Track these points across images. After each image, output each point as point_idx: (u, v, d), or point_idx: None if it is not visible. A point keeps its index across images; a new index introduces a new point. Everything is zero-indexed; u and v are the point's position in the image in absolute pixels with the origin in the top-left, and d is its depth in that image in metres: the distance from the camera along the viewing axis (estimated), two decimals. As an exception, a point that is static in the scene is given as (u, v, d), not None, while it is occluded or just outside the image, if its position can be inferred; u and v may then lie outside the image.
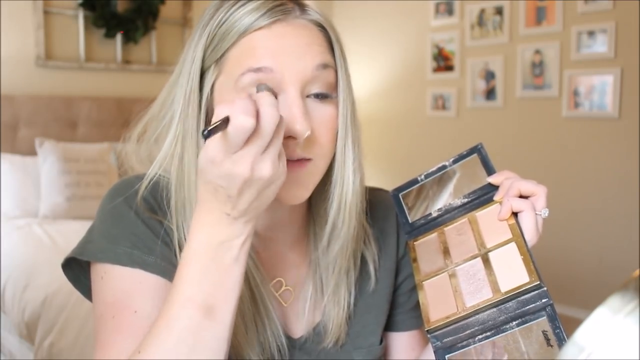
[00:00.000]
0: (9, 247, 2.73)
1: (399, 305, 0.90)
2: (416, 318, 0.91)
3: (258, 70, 0.66)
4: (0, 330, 2.59)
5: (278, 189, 0.61)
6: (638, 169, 3.06)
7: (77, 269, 0.78)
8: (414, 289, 0.85)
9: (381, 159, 4.10)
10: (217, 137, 0.56)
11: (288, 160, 0.67)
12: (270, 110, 0.56)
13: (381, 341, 0.87)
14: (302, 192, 0.71)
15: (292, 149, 0.67)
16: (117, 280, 0.70)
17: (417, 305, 0.89)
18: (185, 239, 0.71)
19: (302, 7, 0.70)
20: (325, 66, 0.69)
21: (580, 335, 0.35)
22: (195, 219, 0.62)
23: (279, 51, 0.67)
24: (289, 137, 0.66)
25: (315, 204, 0.81)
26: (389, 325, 0.90)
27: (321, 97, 0.70)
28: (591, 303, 3.07)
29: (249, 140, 0.56)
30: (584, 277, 3.31)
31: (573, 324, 0.43)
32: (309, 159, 0.69)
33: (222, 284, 0.61)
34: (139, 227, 0.72)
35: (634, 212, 3.09)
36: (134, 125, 0.78)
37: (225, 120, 0.55)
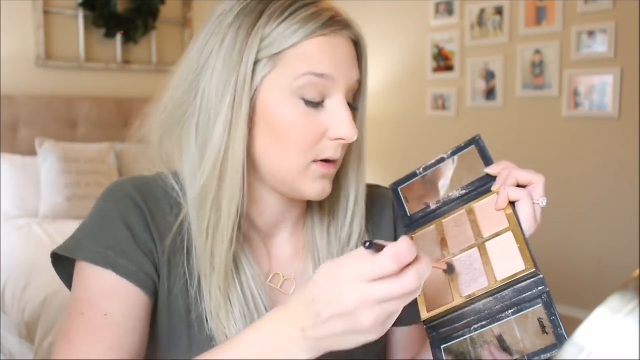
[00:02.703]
0: (9, 247, 2.73)
1: None
2: (415, 313, 0.91)
3: (320, 75, 0.70)
4: (0, 330, 2.59)
5: (358, 343, 0.56)
6: (638, 169, 3.06)
7: (68, 267, 0.78)
8: None
9: (381, 158, 4.10)
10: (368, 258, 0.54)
11: (330, 162, 0.74)
12: (419, 282, 0.54)
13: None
14: (328, 191, 0.76)
15: (336, 151, 0.73)
16: (90, 278, 0.72)
17: (416, 300, 0.90)
18: (208, 232, 0.72)
19: (349, 22, 0.75)
20: (358, 80, 0.76)
21: (580, 335, 0.35)
22: (267, 316, 0.59)
23: (337, 60, 0.72)
24: (338, 139, 0.72)
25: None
26: None
27: (352, 107, 0.75)
28: (591, 303, 3.07)
29: (383, 282, 0.53)
30: (583, 277, 3.31)
31: (573, 324, 0.43)
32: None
33: None
34: (120, 230, 0.73)
35: (634, 212, 3.09)
36: (150, 114, 0.79)
37: (379, 249, 0.53)
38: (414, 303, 0.90)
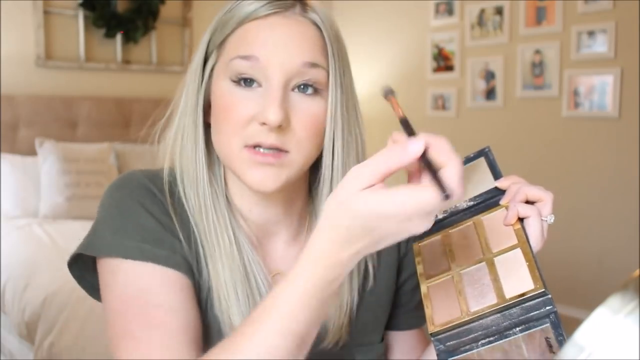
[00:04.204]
0: (9, 247, 2.73)
1: (401, 305, 0.90)
2: (418, 318, 0.91)
3: (246, 58, 0.71)
4: (0, 330, 2.59)
5: (387, 243, 0.58)
6: (638, 169, 3.06)
7: (82, 267, 0.77)
8: (417, 288, 0.86)
9: (381, 159, 4.09)
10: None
11: (261, 147, 0.70)
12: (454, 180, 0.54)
13: (382, 339, 0.87)
14: (271, 183, 0.71)
15: (266, 136, 0.70)
16: (130, 275, 0.70)
17: (420, 304, 0.90)
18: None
19: (304, 6, 0.73)
20: (313, 65, 0.71)
21: (580, 335, 0.35)
22: (309, 251, 0.59)
23: (268, 42, 0.70)
24: (263, 124, 0.69)
25: (314, 200, 0.83)
26: (391, 324, 0.90)
27: (306, 92, 0.72)
28: (591, 303, 3.07)
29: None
30: (584, 277, 3.31)
31: (573, 324, 0.43)
32: (285, 151, 0.71)
33: (318, 319, 0.60)
34: (146, 219, 0.72)
35: (634, 212, 3.09)
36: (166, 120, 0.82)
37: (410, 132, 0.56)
38: (419, 308, 0.90)
